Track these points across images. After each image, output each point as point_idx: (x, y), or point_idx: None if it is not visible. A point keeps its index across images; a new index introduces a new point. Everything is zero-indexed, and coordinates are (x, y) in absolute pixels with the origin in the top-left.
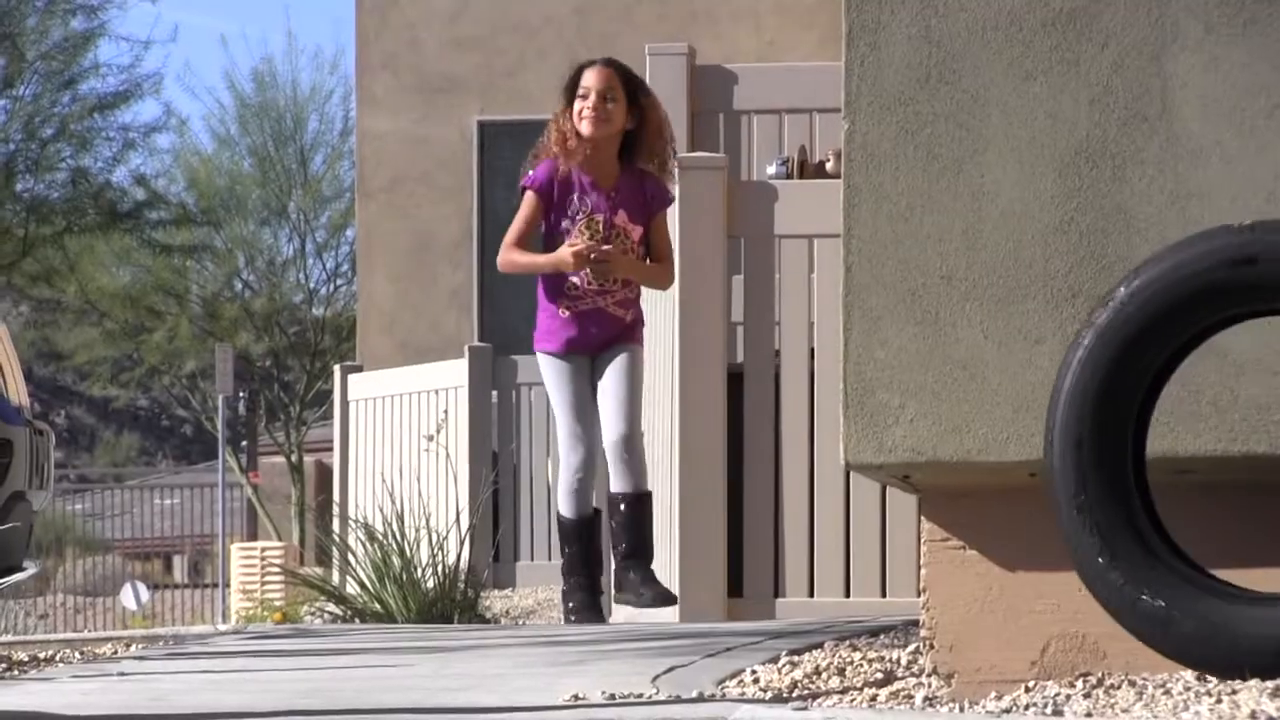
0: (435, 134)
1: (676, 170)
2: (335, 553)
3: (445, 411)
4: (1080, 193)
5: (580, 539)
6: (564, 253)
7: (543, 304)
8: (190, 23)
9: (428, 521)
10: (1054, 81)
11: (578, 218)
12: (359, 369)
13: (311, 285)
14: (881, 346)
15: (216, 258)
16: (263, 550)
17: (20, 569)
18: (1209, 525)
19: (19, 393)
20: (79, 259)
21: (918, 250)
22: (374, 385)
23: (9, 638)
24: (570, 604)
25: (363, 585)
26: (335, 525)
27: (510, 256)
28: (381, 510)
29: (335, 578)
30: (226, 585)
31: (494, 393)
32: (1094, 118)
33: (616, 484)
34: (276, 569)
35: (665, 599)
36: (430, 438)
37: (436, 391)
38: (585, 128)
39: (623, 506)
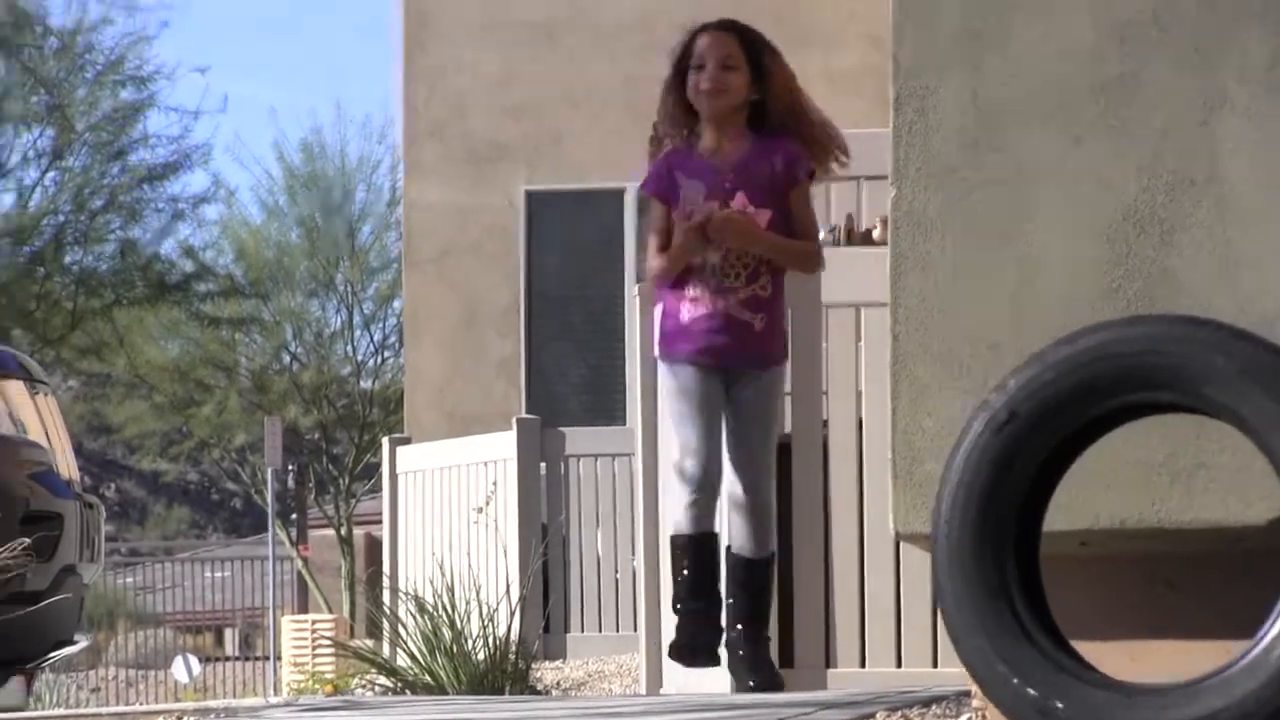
0: (483, 203)
1: (834, 133)
2: (385, 625)
3: (494, 483)
4: (1128, 259)
5: (694, 560)
6: (678, 237)
7: (665, 308)
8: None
9: (478, 593)
10: (1102, 147)
11: (692, 210)
12: (407, 441)
13: (359, 357)
14: (929, 416)
15: (265, 330)
16: (313, 623)
17: (71, 642)
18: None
19: (69, 466)
20: (128, 332)
21: (965, 318)
22: (422, 458)
23: (61, 711)
24: (677, 640)
25: (413, 657)
26: (385, 597)
27: (653, 265)
28: (431, 582)
29: (386, 650)
30: (277, 658)
31: (542, 464)
32: (1142, 183)
33: (736, 542)
34: (327, 641)
35: (774, 684)
36: (479, 510)
37: (485, 463)
38: (702, 104)
39: (739, 569)
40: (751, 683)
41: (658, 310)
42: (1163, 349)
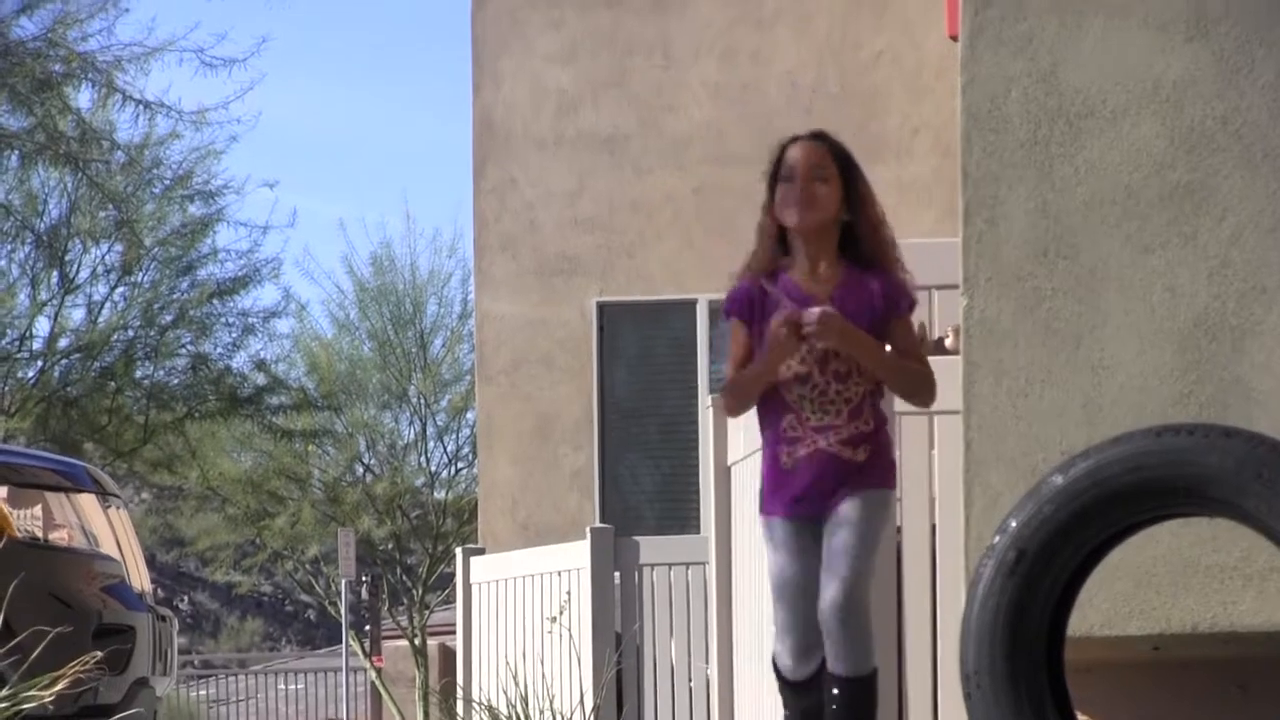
0: (554, 315)
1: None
2: None
3: (568, 593)
4: (1199, 365)
5: (794, 702)
6: (771, 341)
7: (764, 456)
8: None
9: (551, 703)
10: (1172, 254)
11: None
12: (481, 551)
13: (433, 468)
14: (1000, 523)
15: (338, 442)
16: None
17: None
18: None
19: (141, 579)
20: (200, 445)
21: (1038, 425)
22: (496, 568)
23: None
24: None
25: None
26: (459, 708)
27: (728, 386)
28: (505, 693)
29: None
30: None
31: (616, 574)
32: (1212, 290)
33: (831, 661)
34: None
35: None
36: (553, 619)
37: (559, 573)
38: (790, 217)
39: (835, 690)
40: None
41: (730, 422)
42: (1150, 463)
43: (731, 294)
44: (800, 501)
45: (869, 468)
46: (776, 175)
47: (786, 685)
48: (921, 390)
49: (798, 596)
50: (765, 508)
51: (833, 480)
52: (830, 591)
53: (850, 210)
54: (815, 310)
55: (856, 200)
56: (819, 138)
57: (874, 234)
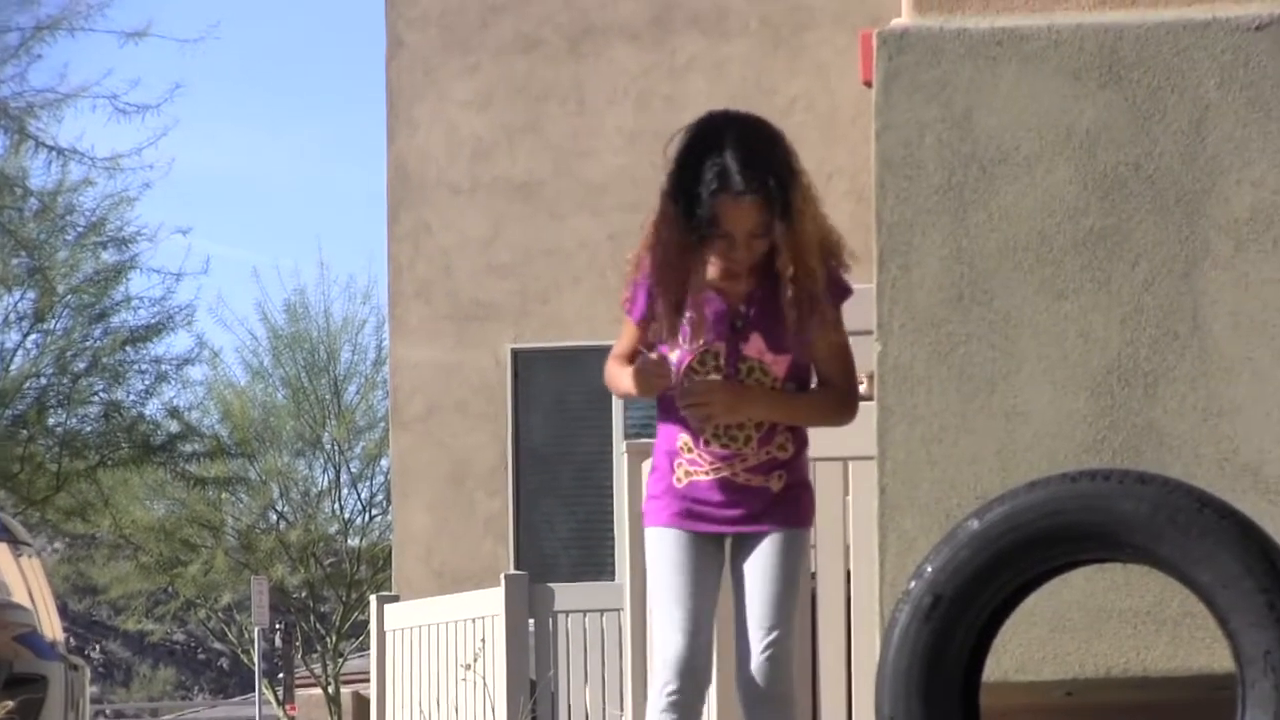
0: (469, 361)
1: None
2: None
3: (482, 640)
4: (1113, 411)
5: None
6: (633, 370)
7: (655, 463)
8: (222, 254)
9: None
10: (1085, 300)
11: (689, 353)
12: (395, 598)
13: (347, 515)
14: (916, 568)
15: (251, 490)
16: None
17: None
18: None
19: (53, 628)
20: (113, 493)
21: (952, 471)
22: (410, 615)
23: None
24: None
25: None
26: None
27: (606, 369)
28: None
29: None
30: None
31: (531, 621)
32: (1125, 336)
33: None
34: None
35: None
36: (468, 666)
37: (473, 620)
38: (718, 278)
39: None
40: None
41: (645, 466)
42: (1066, 509)
43: (634, 293)
44: (697, 519)
45: (787, 500)
46: (686, 179)
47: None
48: (836, 416)
49: (691, 597)
50: (651, 518)
51: (741, 504)
52: (751, 664)
53: (781, 235)
54: (701, 384)
55: (792, 224)
56: (755, 186)
57: (801, 252)
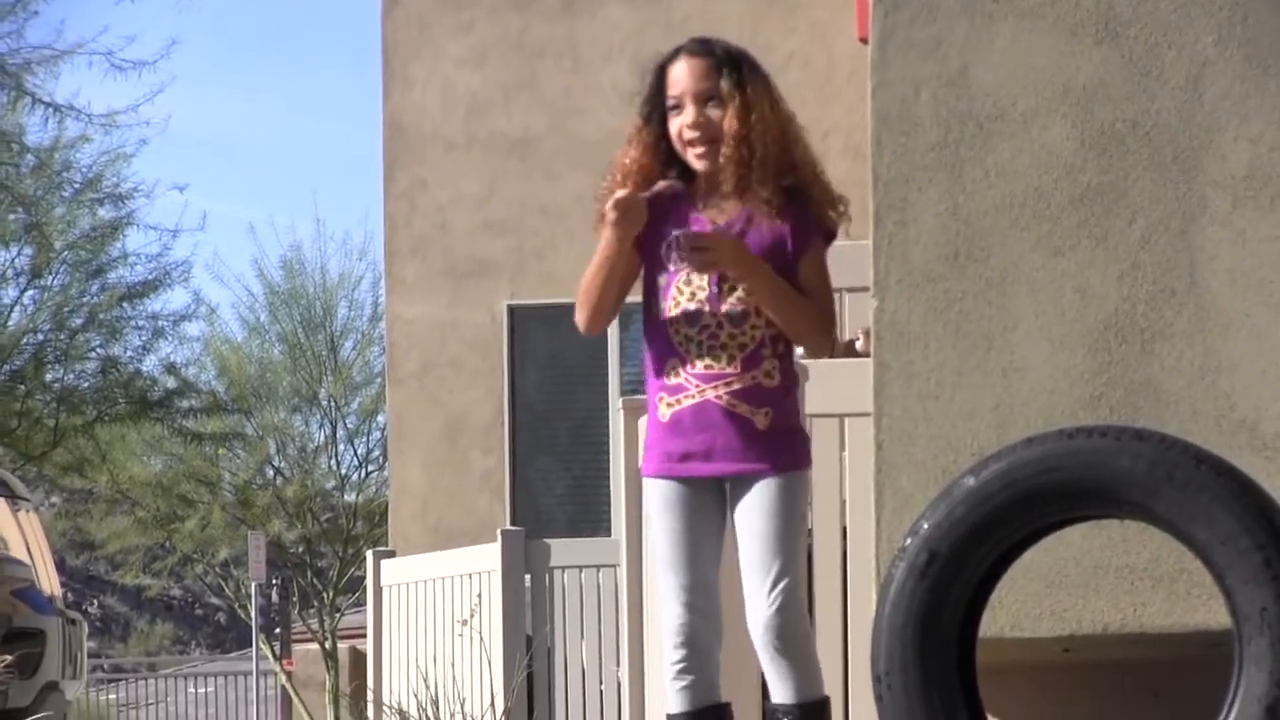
0: (465, 318)
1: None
2: None
3: (479, 596)
4: (1110, 367)
5: None
6: (607, 208)
7: (649, 408)
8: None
9: (462, 706)
10: (1082, 257)
11: (675, 272)
12: (392, 554)
13: (343, 471)
14: (912, 525)
15: (248, 445)
16: None
17: None
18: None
19: (51, 583)
20: (110, 448)
21: (949, 428)
22: (407, 571)
23: None
24: None
25: None
26: (370, 711)
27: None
28: (416, 695)
29: None
30: None
31: (527, 576)
32: (1123, 292)
33: (773, 691)
34: None
35: None
36: (464, 622)
37: (469, 576)
38: (699, 163)
39: None
40: None
41: (643, 423)
42: (1063, 465)
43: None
44: (685, 459)
45: (780, 441)
46: (659, 100)
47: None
48: (815, 331)
49: (689, 558)
50: (645, 466)
51: (727, 438)
52: (763, 612)
53: (750, 127)
54: (707, 231)
55: (756, 115)
56: (700, 49)
57: (782, 154)
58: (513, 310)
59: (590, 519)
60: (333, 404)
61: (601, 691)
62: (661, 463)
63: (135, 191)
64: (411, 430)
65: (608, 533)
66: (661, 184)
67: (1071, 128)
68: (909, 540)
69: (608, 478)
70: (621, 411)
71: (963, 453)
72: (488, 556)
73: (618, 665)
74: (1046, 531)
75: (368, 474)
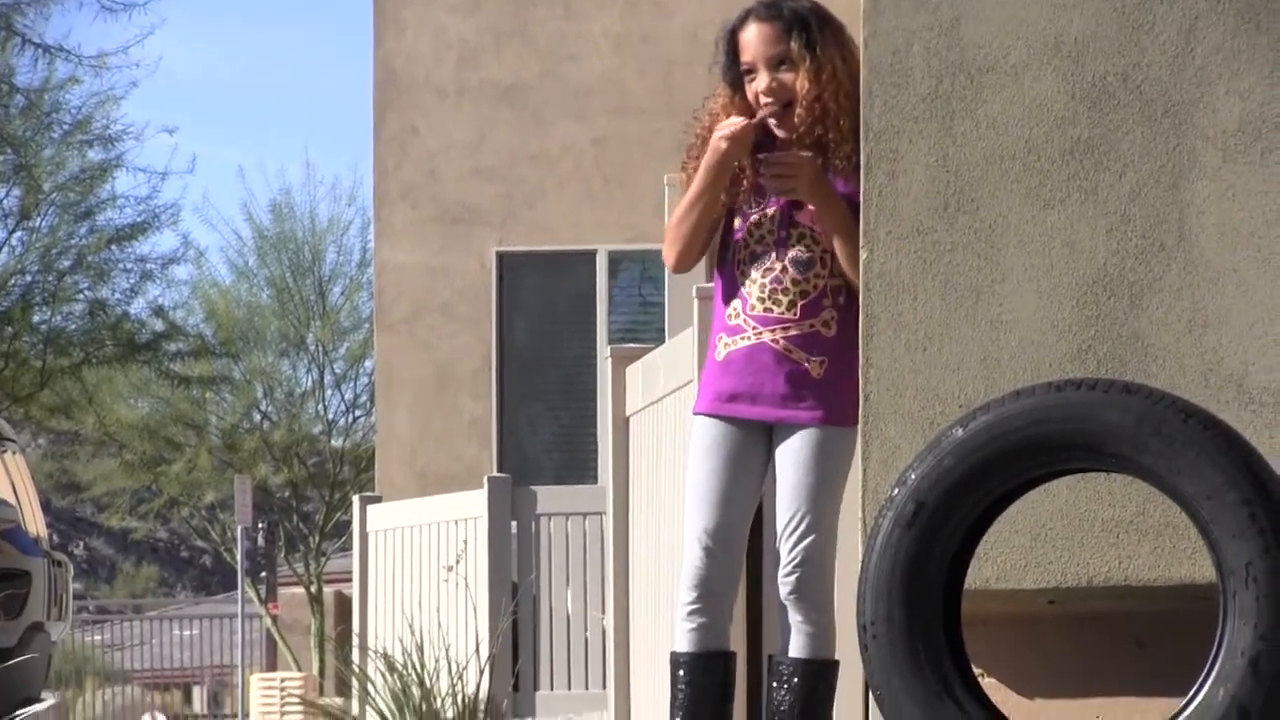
0: (454, 264)
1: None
2: (355, 683)
3: (464, 542)
4: (1098, 320)
5: (691, 685)
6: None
7: (709, 344)
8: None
9: (447, 652)
10: (1071, 210)
11: (750, 215)
12: (378, 500)
13: (330, 416)
14: (899, 475)
15: (235, 389)
16: (282, 681)
17: (38, 700)
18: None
19: (37, 524)
20: (97, 391)
21: (936, 379)
22: (393, 516)
23: None
24: None
25: (382, 716)
26: (355, 656)
27: (666, 233)
28: (401, 641)
29: (355, 708)
30: (246, 716)
31: (513, 523)
32: (1112, 246)
33: (783, 644)
34: (296, 700)
35: None
36: (449, 568)
37: (456, 522)
38: (777, 130)
39: (786, 677)
40: None
41: (629, 371)
42: (1051, 418)
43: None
44: (732, 399)
45: (829, 393)
46: (736, 68)
47: (676, 660)
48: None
49: (720, 501)
50: (696, 404)
51: (776, 383)
52: (788, 566)
53: (822, 86)
54: (789, 154)
55: (828, 74)
56: (767, 12)
57: (857, 107)
58: (502, 257)
59: (577, 466)
60: (320, 349)
61: (587, 639)
62: (711, 401)
63: (125, 134)
64: (399, 376)
65: (594, 480)
66: (764, 111)
67: (1063, 80)
68: (896, 491)
69: (595, 426)
70: (610, 360)
71: (950, 404)
72: (474, 503)
73: (603, 613)
74: (1033, 484)
75: (355, 419)
